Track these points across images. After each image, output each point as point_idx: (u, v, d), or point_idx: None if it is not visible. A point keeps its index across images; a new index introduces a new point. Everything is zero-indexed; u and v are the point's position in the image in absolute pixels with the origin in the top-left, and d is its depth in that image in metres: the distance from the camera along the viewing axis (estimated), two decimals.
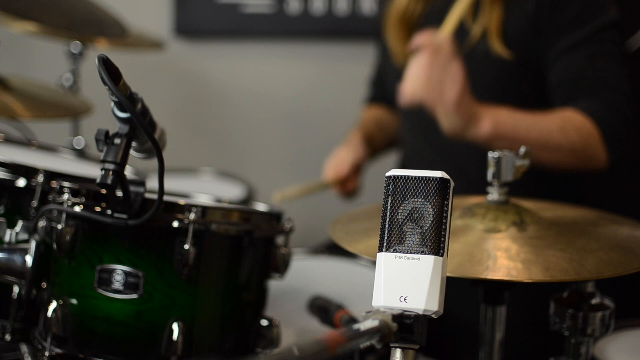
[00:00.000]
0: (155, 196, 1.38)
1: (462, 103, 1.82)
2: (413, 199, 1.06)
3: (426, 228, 1.05)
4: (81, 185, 1.45)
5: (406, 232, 1.05)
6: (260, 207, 1.74)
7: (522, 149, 1.45)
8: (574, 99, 1.95)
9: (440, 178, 1.06)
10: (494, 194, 1.45)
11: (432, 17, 2.17)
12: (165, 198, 1.39)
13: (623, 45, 2.12)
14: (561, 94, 1.99)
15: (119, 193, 1.37)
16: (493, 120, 1.85)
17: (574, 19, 2.00)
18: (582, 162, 1.93)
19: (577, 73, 1.98)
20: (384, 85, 2.48)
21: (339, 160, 2.39)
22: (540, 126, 1.89)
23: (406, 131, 2.31)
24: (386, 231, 1.06)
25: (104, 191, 1.41)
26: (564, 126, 1.89)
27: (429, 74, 1.83)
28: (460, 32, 2.07)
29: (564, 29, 2.00)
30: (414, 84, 1.88)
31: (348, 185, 2.39)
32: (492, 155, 1.44)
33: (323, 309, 1.66)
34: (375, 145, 2.48)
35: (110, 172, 1.32)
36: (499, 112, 1.88)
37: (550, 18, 2.01)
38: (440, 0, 2.17)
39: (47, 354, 1.42)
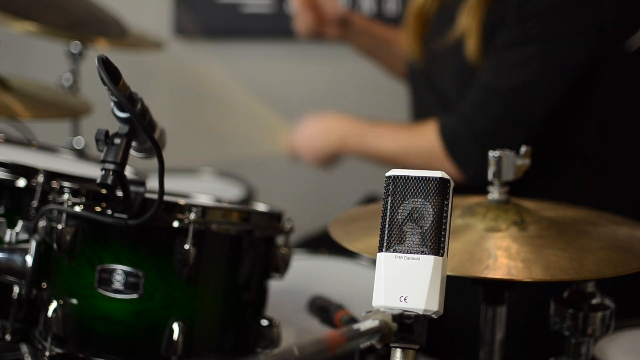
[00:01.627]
0: (155, 196, 1.38)
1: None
2: (413, 199, 1.06)
3: (426, 228, 1.05)
4: (81, 185, 1.45)
5: (406, 232, 1.05)
6: (260, 207, 1.74)
7: (523, 149, 1.45)
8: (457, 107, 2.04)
9: (440, 178, 1.06)
10: (494, 193, 1.45)
11: (442, 13, 2.17)
12: (165, 198, 1.39)
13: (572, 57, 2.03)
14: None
15: (119, 193, 1.37)
16: (341, 137, 2.11)
17: (513, 27, 1.99)
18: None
19: (475, 82, 2.01)
20: None
21: None
22: (384, 151, 2.08)
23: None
24: (386, 231, 1.06)
25: (104, 191, 1.41)
26: (407, 154, 2.05)
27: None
28: (449, 20, 2.09)
29: (503, 36, 2.00)
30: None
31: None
32: (492, 154, 1.44)
33: (323, 309, 1.66)
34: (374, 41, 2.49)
35: (111, 172, 1.32)
36: (354, 128, 2.12)
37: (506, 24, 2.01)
38: None
39: (47, 354, 1.42)
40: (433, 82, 2.19)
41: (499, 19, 2.01)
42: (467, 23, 2.04)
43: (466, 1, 2.05)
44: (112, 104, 1.33)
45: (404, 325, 1.02)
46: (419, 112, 2.27)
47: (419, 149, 2.01)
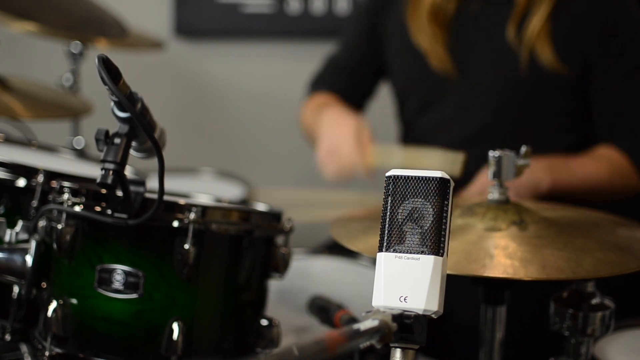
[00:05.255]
0: (155, 196, 1.38)
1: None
2: (413, 199, 1.06)
3: (426, 228, 1.05)
4: (81, 185, 1.45)
5: (406, 232, 1.05)
6: (260, 207, 1.74)
7: (523, 148, 1.45)
8: (617, 133, 2.07)
9: (441, 178, 1.06)
10: (494, 193, 1.45)
11: (469, 21, 2.14)
12: (165, 198, 1.39)
13: None
14: (605, 127, 2.08)
15: (119, 193, 1.38)
16: (551, 177, 1.96)
17: (622, 50, 2.05)
18: (619, 197, 2.10)
19: (621, 108, 2.07)
20: (355, 76, 2.39)
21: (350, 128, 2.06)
22: (591, 176, 2.03)
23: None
24: (386, 231, 1.06)
25: (104, 191, 1.41)
26: (612, 174, 2.04)
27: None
28: (502, 50, 2.08)
29: (611, 60, 2.05)
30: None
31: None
32: (492, 154, 1.44)
33: (323, 309, 1.66)
34: None
35: (110, 172, 1.32)
36: (554, 165, 1.99)
37: (599, 45, 2.05)
38: (473, 2, 2.14)
39: (47, 353, 1.42)
40: (466, 93, 2.15)
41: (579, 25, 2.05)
42: (536, 32, 2.05)
43: (534, 7, 2.05)
44: (112, 103, 1.33)
45: (404, 325, 1.02)
46: (439, 121, 2.22)
47: (621, 172, 2.05)
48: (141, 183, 1.42)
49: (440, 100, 2.19)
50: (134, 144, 1.37)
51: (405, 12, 2.21)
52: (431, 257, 1.04)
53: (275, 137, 3.35)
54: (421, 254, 1.04)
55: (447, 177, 1.06)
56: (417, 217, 1.05)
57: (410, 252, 1.05)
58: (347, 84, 2.39)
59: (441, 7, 2.14)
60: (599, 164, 2.05)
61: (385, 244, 1.06)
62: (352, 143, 2.01)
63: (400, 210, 1.06)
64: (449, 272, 1.06)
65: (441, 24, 2.14)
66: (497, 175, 1.44)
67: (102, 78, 1.27)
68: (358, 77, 2.40)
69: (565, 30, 2.06)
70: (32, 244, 1.45)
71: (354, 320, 1.58)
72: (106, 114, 1.39)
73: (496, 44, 2.10)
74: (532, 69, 2.06)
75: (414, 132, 2.29)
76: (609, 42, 2.05)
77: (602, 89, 2.07)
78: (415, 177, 1.07)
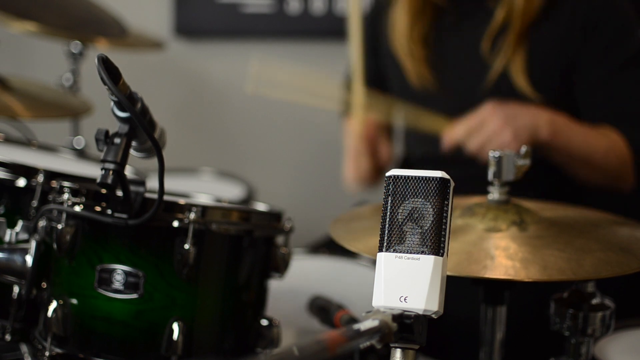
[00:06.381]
0: (155, 196, 1.38)
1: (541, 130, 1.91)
2: (413, 199, 1.06)
3: (426, 228, 1.05)
4: (81, 185, 1.45)
5: (406, 232, 1.05)
6: (260, 207, 1.74)
7: (523, 148, 1.45)
8: (615, 123, 2.04)
9: (441, 178, 1.06)
10: (494, 194, 1.45)
11: (446, 34, 2.14)
12: (165, 198, 1.39)
13: None
14: (596, 120, 2.05)
15: (119, 193, 1.37)
16: (551, 130, 1.92)
17: (608, 45, 2.03)
18: (610, 182, 2.04)
19: (611, 103, 2.05)
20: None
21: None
22: (589, 143, 1.98)
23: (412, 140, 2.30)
24: (386, 231, 1.06)
25: (104, 191, 1.41)
26: (608, 150, 2.00)
27: (510, 136, 1.87)
28: (478, 64, 2.07)
29: (598, 56, 2.04)
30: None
31: (380, 150, 2.24)
32: (492, 154, 1.44)
33: (323, 309, 1.66)
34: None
35: (110, 172, 1.32)
36: (557, 120, 1.95)
37: (583, 46, 2.03)
38: (448, 15, 2.14)
39: (47, 354, 1.42)
40: (446, 105, 2.13)
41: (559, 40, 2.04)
42: (507, 60, 2.04)
43: (505, 36, 2.03)
44: (112, 103, 1.33)
45: (404, 325, 1.02)
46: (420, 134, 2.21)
47: (618, 151, 2.01)
48: (141, 183, 1.42)
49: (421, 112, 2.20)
50: (134, 144, 1.37)
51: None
52: (431, 257, 1.04)
53: (275, 137, 3.35)
54: (421, 254, 1.04)
55: (447, 177, 1.06)
56: (417, 217, 1.05)
57: (410, 252, 1.05)
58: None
59: (415, 24, 2.14)
60: (601, 136, 2.01)
61: (385, 244, 1.06)
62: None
63: (400, 210, 1.06)
64: (449, 273, 1.06)
65: (417, 40, 2.14)
66: (497, 175, 1.44)
67: (101, 78, 1.27)
68: (378, 87, 2.39)
69: (543, 48, 2.04)
70: (32, 244, 1.45)
71: (354, 320, 1.58)
72: (106, 114, 1.39)
73: (471, 57, 2.10)
74: (506, 85, 2.05)
75: (407, 140, 2.31)
76: (594, 39, 2.03)
77: (591, 84, 2.06)
78: (415, 177, 1.07)
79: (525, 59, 2.03)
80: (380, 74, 2.34)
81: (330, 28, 3.17)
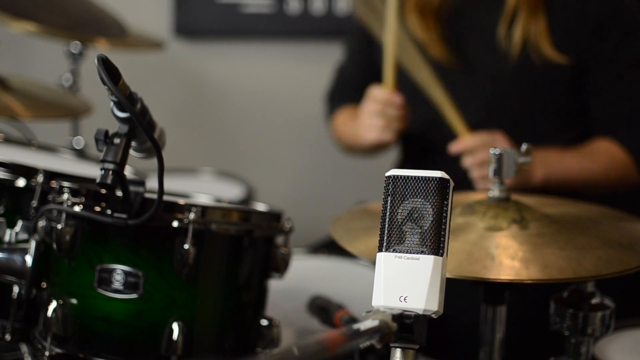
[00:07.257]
0: (155, 196, 1.38)
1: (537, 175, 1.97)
2: (413, 199, 1.06)
3: (426, 228, 1.05)
4: (81, 185, 1.45)
5: (406, 232, 1.05)
6: (260, 207, 1.74)
7: (524, 147, 1.45)
8: (616, 128, 2.07)
9: (440, 178, 1.06)
10: (494, 191, 1.45)
11: (458, 15, 2.14)
12: (165, 198, 1.39)
13: None
14: (604, 122, 2.09)
15: (119, 193, 1.37)
16: (545, 170, 1.98)
17: (618, 43, 2.05)
18: (616, 190, 2.11)
19: (620, 102, 2.08)
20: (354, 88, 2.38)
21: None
22: (587, 170, 2.04)
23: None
24: (386, 231, 1.06)
25: (103, 191, 1.41)
26: (608, 168, 2.05)
27: None
28: (492, 47, 2.08)
29: (607, 54, 2.05)
30: None
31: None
32: (493, 152, 1.44)
33: (323, 309, 1.66)
34: None
35: (110, 172, 1.32)
36: (549, 158, 2.00)
37: (595, 39, 2.05)
38: None
39: (47, 353, 1.42)
40: (464, 84, 2.14)
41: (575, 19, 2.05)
42: (526, 31, 2.04)
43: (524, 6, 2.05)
44: (112, 103, 1.33)
45: (404, 325, 1.02)
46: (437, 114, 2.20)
47: (618, 165, 2.05)
48: (141, 183, 1.42)
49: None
50: (133, 144, 1.37)
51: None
52: (431, 257, 1.04)
53: (275, 137, 3.35)
54: (421, 254, 1.04)
55: (447, 177, 1.06)
56: (416, 217, 1.05)
57: (410, 252, 1.05)
58: (362, 95, 2.37)
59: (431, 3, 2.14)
60: (596, 157, 2.05)
61: (385, 244, 1.06)
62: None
63: (400, 210, 1.06)
64: (450, 275, 1.06)
65: (429, 16, 2.15)
66: (498, 172, 1.44)
67: (101, 78, 1.27)
68: (368, 86, 2.38)
69: (559, 27, 2.06)
70: (32, 244, 1.45)
71: (354, 320, 1.58)
72: (106, 114, 1.39)
73: (487, 40, 2.10)
74: (524, 66, 2.06)
75: (413, 125, 2.30)
76: (605, 37, 2.04)
77: (600, 83, 2.07)
78: (414, 177, 1.07)
79: (545, 23, 2.04)
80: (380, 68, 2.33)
81: (330, 28, 3.16)
